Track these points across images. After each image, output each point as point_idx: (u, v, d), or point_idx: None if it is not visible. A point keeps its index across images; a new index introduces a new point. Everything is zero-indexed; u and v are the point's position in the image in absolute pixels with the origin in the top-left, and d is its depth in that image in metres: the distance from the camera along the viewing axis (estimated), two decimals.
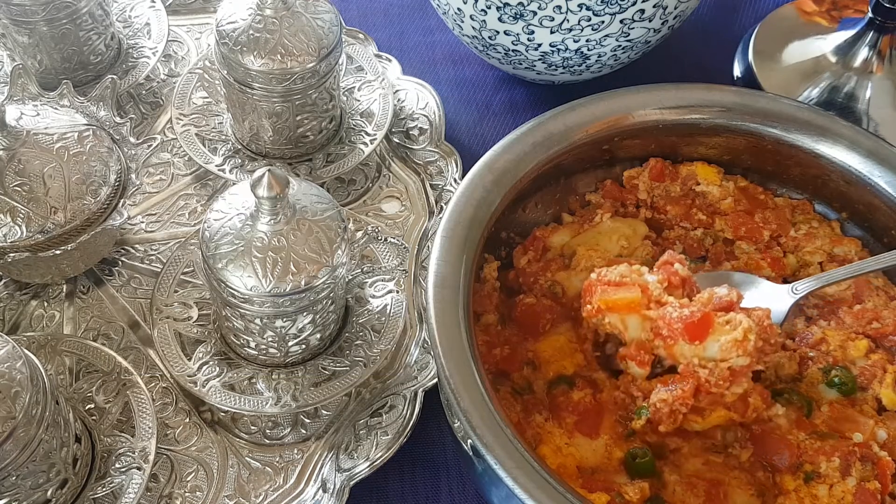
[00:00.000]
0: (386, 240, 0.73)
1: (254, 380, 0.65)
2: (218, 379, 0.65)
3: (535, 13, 0.73)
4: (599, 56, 0.78)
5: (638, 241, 0.66)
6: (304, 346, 0.65)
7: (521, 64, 0.81)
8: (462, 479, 0.66)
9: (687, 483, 0.55)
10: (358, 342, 0.67)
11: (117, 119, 0.70)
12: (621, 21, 0.74)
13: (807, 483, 0.55)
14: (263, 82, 0.71)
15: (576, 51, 0.77)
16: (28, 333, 0.68)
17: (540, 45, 0.76)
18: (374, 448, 0.63)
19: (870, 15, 0.79)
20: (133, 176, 0.68)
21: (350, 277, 0.69)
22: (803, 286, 0.62)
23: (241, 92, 0.72)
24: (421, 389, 0.65)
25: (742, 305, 0.57)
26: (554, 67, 0.80)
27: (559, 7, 0.72)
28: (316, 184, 0.66)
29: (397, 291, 0.69)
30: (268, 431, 0.66)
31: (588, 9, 0.72)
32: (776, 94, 0.71)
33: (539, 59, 0.79)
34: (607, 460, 0.57)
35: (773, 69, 0.83)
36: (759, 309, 0.57)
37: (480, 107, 0.88)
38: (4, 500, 0.54)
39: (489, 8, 0.74)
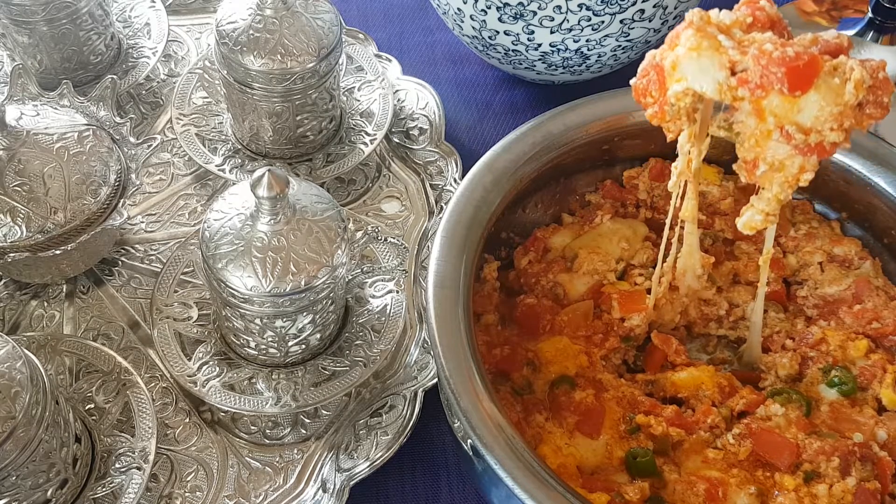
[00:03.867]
0: (386, 240, 0.73)
1: (254, 380, 0.65)
2: (218, 379, 0.65)
3: (535, 13, 0.73)
4: (599, 56, 0.78)
5: (638, 242, 0.66)
6: (304, 346, 0.65)
7: (521, 64, 0.81)
8: (462, 479, 0.66)
9: (687, 482, 0.55)
10: (358, 342, 0.67)
11: (117, 119, 0.70)
12: (621, 21, 0.74)
13: (806, 483, 0.55)
14: (263, 82, 0.71)
15: (576, 51, 0.77)
16: (28, 333, 0.68)
17: (540, 45, 0.76)
18: (374, 448, 0.63)
19: (870, 15, 0.79)
20: (133, 176, 0.68)
21: (350, 277, 0.69)
22: None
23: (241, 92, 0.72)
24: (421, 389, 0.65)
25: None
26: (554, 67, 0.80)
27: (559, 7, 0.72)
28: (316, 184, 0.66)
29: (397, 291, 0.69)
30: (268, 431, 0.66)
31: (588, 9, 0.72)
32: None
33: (539, 59, 0.79)
34: (608, 460, 0.57)
35: None
36: (872, 60, 0.46)
37: (480, 107, 0.88)
38: (4, 500, 0.54)
39: (489, 8, 0.74)
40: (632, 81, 0.52)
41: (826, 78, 0.44)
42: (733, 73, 0.46)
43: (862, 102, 0.45)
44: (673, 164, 0.56)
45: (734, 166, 0.52)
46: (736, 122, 0.49)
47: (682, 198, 0.58)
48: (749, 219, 0.52)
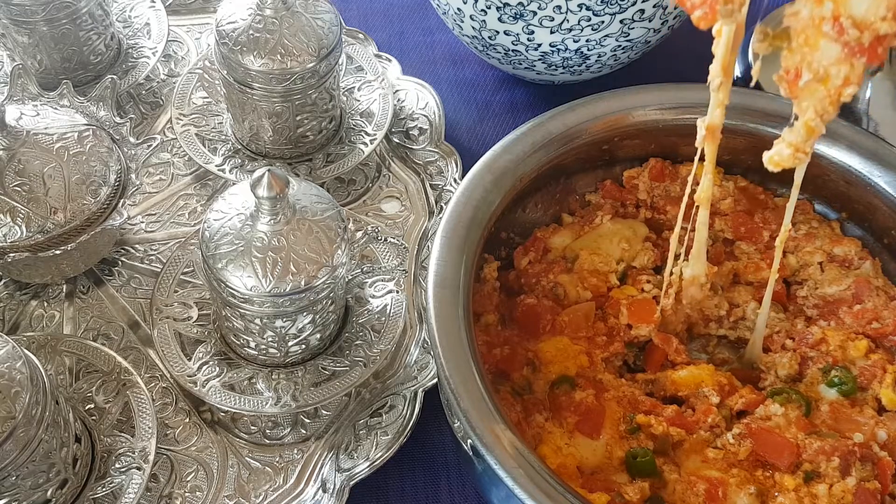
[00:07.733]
0: (386, 240, 0.73)
1: (254, 380, 0.65)
2: (218, 379, 0.65)
3: (535, 13, 0.73)
4: (599, 56, 0.78)
5: (639, 243, 0.66)
6: (304, 346, 0.65)
7: (521, 64, 0.81)
8: (462, 479, 0.66)
9: (687, 482, 0.55)
10: (358, 342, 0.67)
11: (117, 119, 0.70)
12: (621, 21, 0.74)
13: (806, 482, 0.55)
14: (263, 82, 0.71)
15: (576, 51, 0.77)
16: (28, 333, 0.68)
17: (540, 45, 0.76)
18: (374, 448, 0.63)
19: None
20: (133, 176, 0.68)
21: (350, 277, 0.69)
22: None
23: (241, 92, 0.72)
24: (421, 389, 0.65)
25: None
26: (554, 67, 0.80)
27: (559, 7, 0.72)
28: (316, 184, 0.66)
29: (397, 291, 0.69)
30: (268, 431, 0.66)
31: (588, 9, 0.72)
32: (776, 94, 0.71)
33: (539, 59, 0.79)
34: (608, 460, 0.57)
35: (774, 69, 0.83)
36: None
37: (480, 107, 0.88)
38: (4, 500, 0.54)
39: (489, 8, 0.74)
40: None
41: None
42: None
43: None
44: (700, 119, 0.52)
45: (774, 78, 0.48)
46: (789, 14, 0.45)
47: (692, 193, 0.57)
48: (776, 152, 0.49)
